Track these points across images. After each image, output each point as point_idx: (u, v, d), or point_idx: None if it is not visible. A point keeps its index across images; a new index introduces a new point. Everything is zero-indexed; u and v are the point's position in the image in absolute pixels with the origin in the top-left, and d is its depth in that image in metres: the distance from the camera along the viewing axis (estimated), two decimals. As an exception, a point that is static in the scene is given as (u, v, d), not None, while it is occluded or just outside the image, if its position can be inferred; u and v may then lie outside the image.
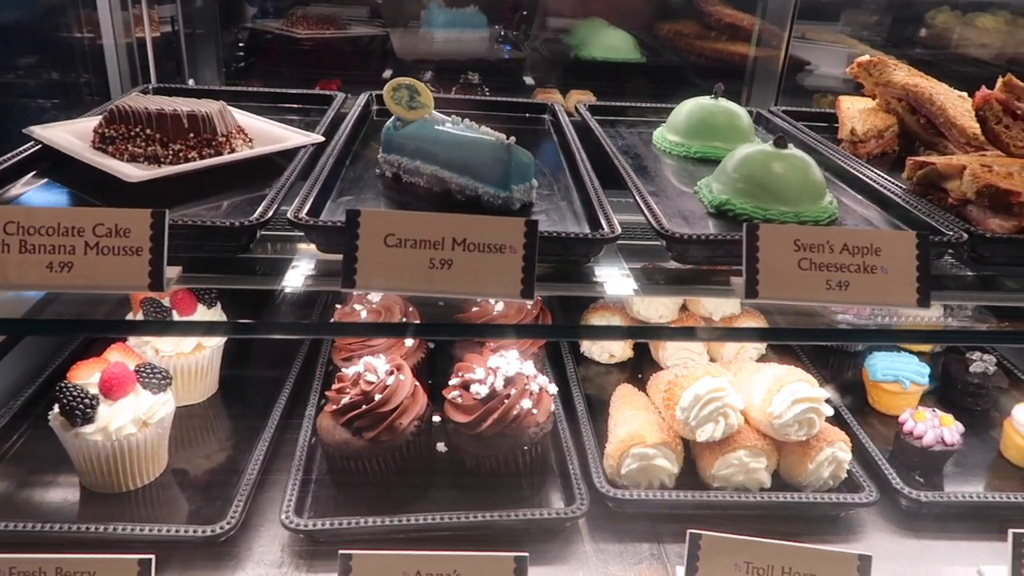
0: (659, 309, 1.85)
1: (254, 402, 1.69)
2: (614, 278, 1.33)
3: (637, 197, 1.37)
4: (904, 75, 1.84)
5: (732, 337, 1.80)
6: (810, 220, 1.35)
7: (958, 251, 1.34)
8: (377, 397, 1.34)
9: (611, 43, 2.91)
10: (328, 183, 1.33)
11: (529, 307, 1.63)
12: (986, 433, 1.72)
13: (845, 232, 1.21)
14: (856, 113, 1.86)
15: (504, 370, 1.39)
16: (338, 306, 1.67)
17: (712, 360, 1.90)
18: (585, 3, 3.01)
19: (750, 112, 2.06)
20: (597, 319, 1.86)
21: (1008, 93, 1.51)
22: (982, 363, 1.79)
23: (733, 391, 1.45)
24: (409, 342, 1.60)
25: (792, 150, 1.43)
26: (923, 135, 1.78)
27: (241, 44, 2.71)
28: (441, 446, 1.54)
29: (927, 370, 1.76)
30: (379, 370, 1.37)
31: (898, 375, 1.73)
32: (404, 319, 1.62)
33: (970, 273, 1.41)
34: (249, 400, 1.71)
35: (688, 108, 1.75)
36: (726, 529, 1.30)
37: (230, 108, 1.45)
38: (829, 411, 1.47)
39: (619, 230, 1.23)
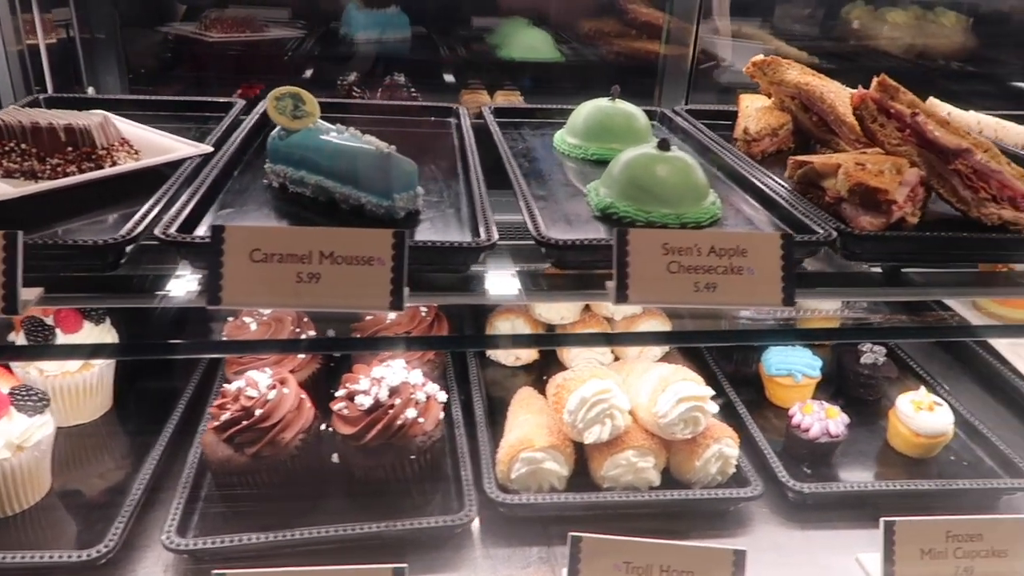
0: (560, 311, 1.86)
1: (149, 419, 1.65)
2: (502, 282, 1.34)
3: (521, 201, 1.38)
4: (796, 74, 1.87)
5: (625, 342, 1.83)
6: (691, 222, 1.37)
7: (833, 248, 1.39)
8: (258, 412, 1.33)
9: (529, 42, 2.91)
10: (211, 195, 1.32)
11: (423, 314, 1.63)
12: (876, 423, 1.77)
13: (712, 235, 1.24)
14: (752, 112, 1.89)
15: (389, 380, 1.39)
16: (230, 319, 1.65)
17: (617, 359, 1.92)
18: (507, 2, 3.00)
19: (654, 112, 2.10)
20: (501, 322, 1.87)
21: (882, 92, 1.54)
22: (872, 354, 1.84)
23: (619, 392, 1.47)
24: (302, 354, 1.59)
25: (675, 152, 1.45)
26: (816, 133, 1.82)
27: (151, 49, 2.65)
28: (336, 457, 1.53)
29: (819, 363, 1.81)
30: (260, 384, 1.36)
31: (790, 369, 1.77)
32: (297, 330, 1.61)
33: (875, 270, 1.46)
34: (145, 417, 1.67)
35: (586, 111, 1.76)
36: (618, 529, 1.32)
37: (117, 118, 1.42)
38: (714, 409, 1.51)
39: (496, 238, 1.24)
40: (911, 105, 1.55)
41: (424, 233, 1.29)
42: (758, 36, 3.17)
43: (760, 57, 1.89)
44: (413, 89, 2.62)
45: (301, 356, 1.58)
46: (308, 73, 2.76)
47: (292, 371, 1.57)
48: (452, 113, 1.93)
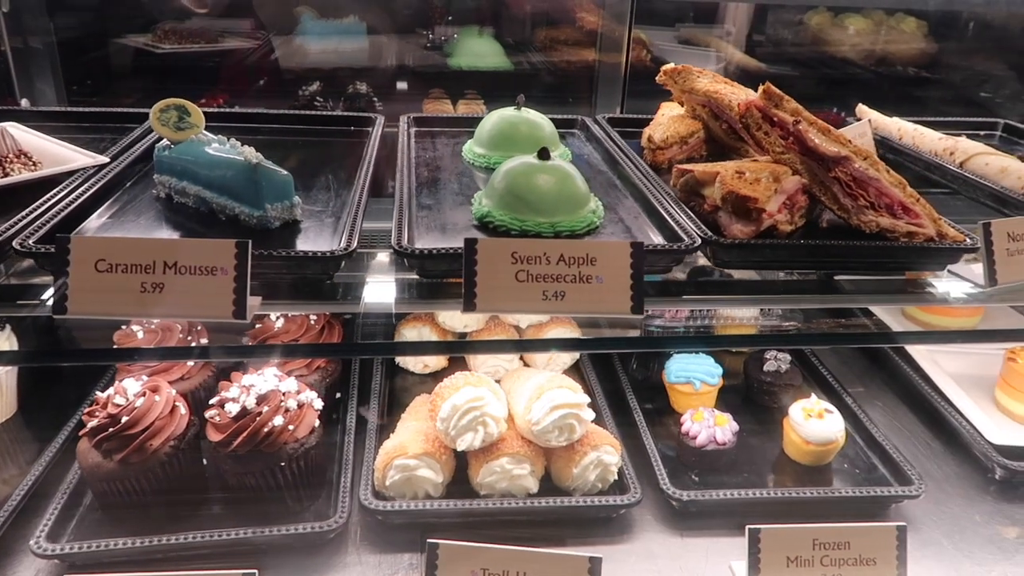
0: (463, 319, 1.87)
1: (51, 424, 1.68)
2: (378, 290, 1.36)
3: (395, 211, 1.40)
4: (707, 82, 1.88)
5: (518, 349, 1.84)
6: (566, 230, 1.38)
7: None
8: (124, 419, 1.35)
9: (479, 51, 2.94)
10: (95, 206, 1.35)
11: (312, 322, 1.65)
12: (776, 431, 1.77)
13: (561, 244, 1.24)
14: (664, 120, 1.90)
15: (258, 388, 1.41)
16: (124, 327, 1.67)
17: (527, 365, 1.93)
18: (462, 12, 3.03)
19: (575, 120, 2.11)
20: (408, 330, 1.89)
21: (767, 100, 1.55)
22: (775, 362, 1.84)
23: (494, 400, 1.48)
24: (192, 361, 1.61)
25: (553, 162, 1.47)
26: (726, 140, 1.83)
27: (101, 61, 2.69)
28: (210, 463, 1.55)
29: (719, 371, 1.80)
30: (129, 392, 1.38)
31: (689, 376, 1.77)
32: (189, 339, 1.63)
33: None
34: (47, 422, 1.70)
35: (492, 120, 1.77)
36: (497, 536, 1.33)
37: (17, 130, 1.46)
38: (590, 416, 1.51)
39: (354, 247, 1.26)
40: (794, 113, 1.55)
41: (291, 242, 1.30)
42: (713, 44, 3.18)
43: (671, 66, 1.90)
44: (375, 99, 2.65)
45: (191, 363, 1.61)
46: (263, 83, 2.79)
47: (183, 378, 1.60)
48: (369, 123, 1.94)
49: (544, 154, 1.47)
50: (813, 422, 1.62)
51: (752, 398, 1.87)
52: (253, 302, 1.18)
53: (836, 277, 1.52)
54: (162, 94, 1.42)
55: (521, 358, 1.96)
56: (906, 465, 1.62)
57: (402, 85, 2.87)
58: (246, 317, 1.14)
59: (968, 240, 1.43)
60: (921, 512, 1.61)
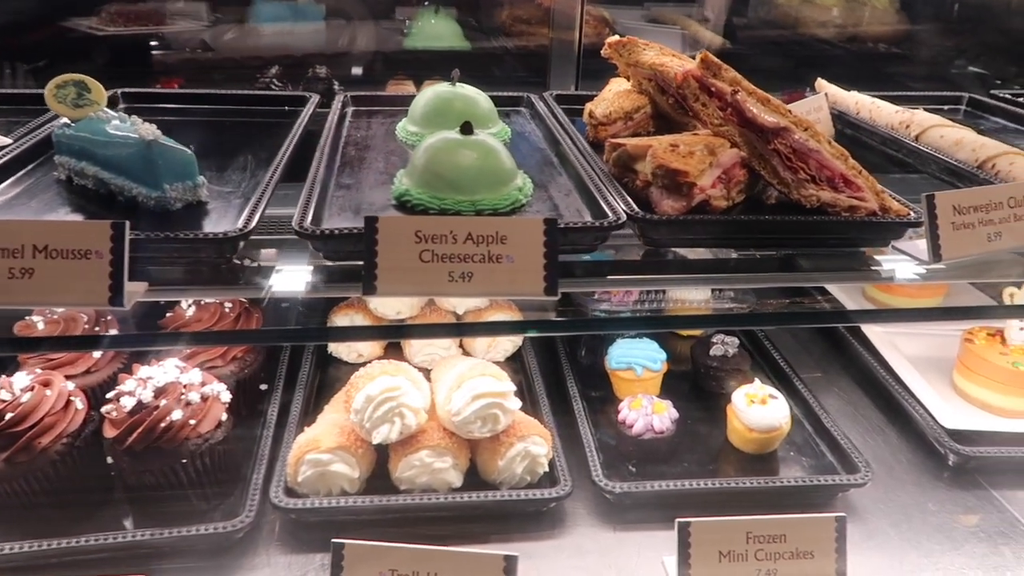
0: (395, 305, 1.79)
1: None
2: (291, 276, 1.28)
3: (306, 191, 1.32)
4: (653, 54, 1.79)
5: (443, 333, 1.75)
6: (488, 208, 1.30)
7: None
8: (8, 416, 1.26)
9: (436, 32, 2.87)
10: None
11: (226, 310, 1.56)
12: (723, 418, 1.69)
13: (470, 221, 1.16)
14: (609, 95, 1.81)
15: (156, 380, 1.32)
16: (26, 317, 1.58)
17: (466, 354, 1.85)
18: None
19: (520, 98, 2.03)
20: (340, 318, 1.80)
21: (704, 70, 1.46)
22: (722, 346, 1.76)
23: (412, 390, 1.40)
24: (98, 353, 1.52)
25: (478, 137, 1.39)
26: (674, 116, 1.74)
27: (41, 45, 2.59)
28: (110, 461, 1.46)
29: (663, 356, 1.72)
30: (15, 386, 1.29)
31: (630, 362, 1.69)
32: (97, 328, 1.54)
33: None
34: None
35: (425, 97, 1.69)
36: (420, 534, 1.25)
37: None
38: (515, 405, 1.43)
39: (252, 227, 1.19)
40: (732, 83, 1.47)
41: (189, 224, 1.22)
42: (681, 23, 3.09)
43: (615, 38, 1.81)
44: (335, 82, 2.56)
45: (97, 355, 1.52)
46: (217, 66, 2.70)
47: (89, 371, 1.51)
48: (303, 102, 1.86)
49: (467, 129, 1.39)
50: (756, 408, 1.53)
51: (699, 384, 1.79)
52: (135, 288, 1.09)
53: (780, 255, 1.44)
54: (110, 78, 1.34)
55: (461, 345, 1.88)
56: (854, 452, 1.54)
57: (362, 69, 2.80)
58: (124, 303, 1.06)
59: (912, 214, 1.35)
60: (870, 501, 1.53)
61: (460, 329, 1.89)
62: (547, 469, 1.47)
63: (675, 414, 1.56)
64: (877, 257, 1.42)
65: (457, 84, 1.73)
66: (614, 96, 1.80)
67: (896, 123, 1.85)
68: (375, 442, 1.38)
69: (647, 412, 1.54)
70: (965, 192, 1.32)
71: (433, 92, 1.69)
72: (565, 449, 1.53)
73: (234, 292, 1.36)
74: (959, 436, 1.60)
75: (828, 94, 2.11)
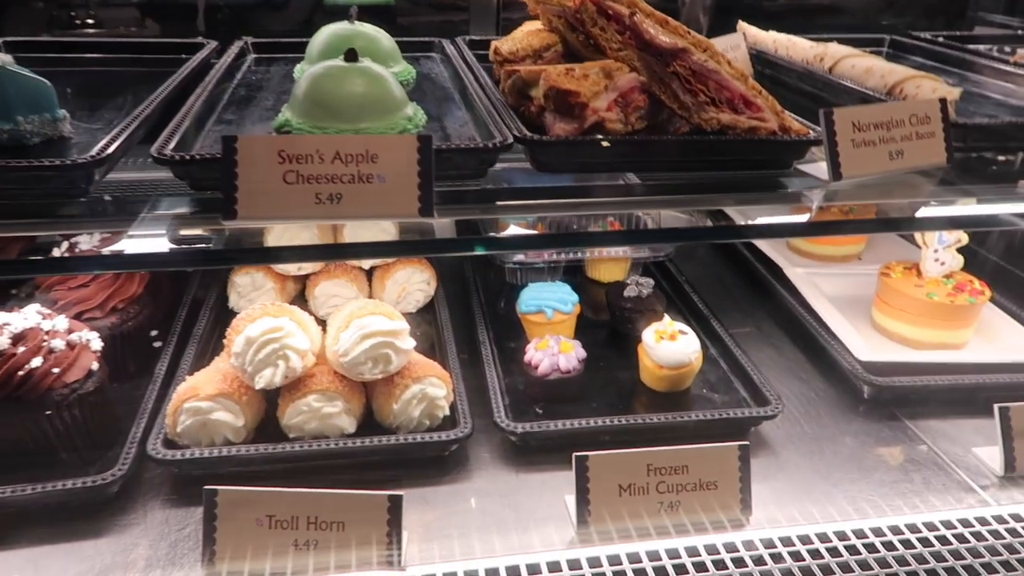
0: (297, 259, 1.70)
1: None
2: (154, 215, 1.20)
3: (175, 122, 1.25)
4: (561, -13, 1.72)
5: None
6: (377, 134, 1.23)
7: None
8: None
9: (360, -17, 2.75)
10: None
11: (104, 258, 1.47)
12: (638, 357, 1.64)
13: (338, 140, 1.08)
14: (519, 34, 1.75)
15: (14, 327, 1.22)
16: None
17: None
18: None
19: (431, 43, 1.96)
20: (241, 277, 1.69)
21: (603, -7, 1.40)
22: (636, 287, 1.70)
23: (297, 331, 1.32)
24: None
25: (363, 64, 1.31)
26: (584, 53, 1.67)
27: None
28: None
29: (574, 298, 1.66)
30: None
31: (541, 305, 1.63)
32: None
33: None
34: None
35: (322, 36, 1.62)
36: (317, 482, 1.18)
37: None
38: (408, 345, 1.36)
39: (104, 156, 1.12)
40: (630, 5, 1.41)
41: (43, 156, 1.12)
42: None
43: (524, -27, 1.74)
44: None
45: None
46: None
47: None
48: (199, 48, 1.79)
49: (351, 56, 1.32)
50: (665, 344, 1.48)
51: (615, 327, 1.74)
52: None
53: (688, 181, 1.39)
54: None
55: (370, 297, 1.80)
56: (765, 386, 1.50)
57: (285, 23, 2.71)
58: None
59: (813, 133, 1.31)
60: (784, 435, 1.49)
61: (402, 247, 1.79)
62: (447, 412, 1.40)
63: (582, 353, 1.51)
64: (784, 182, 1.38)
65: (356, 22, 1.65)
66: (523, 34, 1.74)
67: (811, 57, 1.81)
68: (258, 387, 1.30)
69: (553, 352, 1.48)
70: (865, 108, 1.28)
71: (330, 31, 1.62)
72: (471, 394, 1.47)
73: (92, 225, 1.28)
74: (875, 369, 1.57)
75: (747, 34, 2.07)
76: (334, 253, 1.57)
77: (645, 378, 1.55)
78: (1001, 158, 1.48)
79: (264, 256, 1.41)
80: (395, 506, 1.15)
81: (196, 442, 1.31)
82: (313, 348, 1.35)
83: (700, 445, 1.26)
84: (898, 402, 1.57)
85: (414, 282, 1.77)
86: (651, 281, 1.74)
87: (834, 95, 1.63)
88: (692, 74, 1.31)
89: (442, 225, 1.90)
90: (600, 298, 1.84)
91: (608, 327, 1.77)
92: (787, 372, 1.70)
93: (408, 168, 1.07)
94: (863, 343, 1.64)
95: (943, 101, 1.32)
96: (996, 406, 1.37)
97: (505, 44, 1.71)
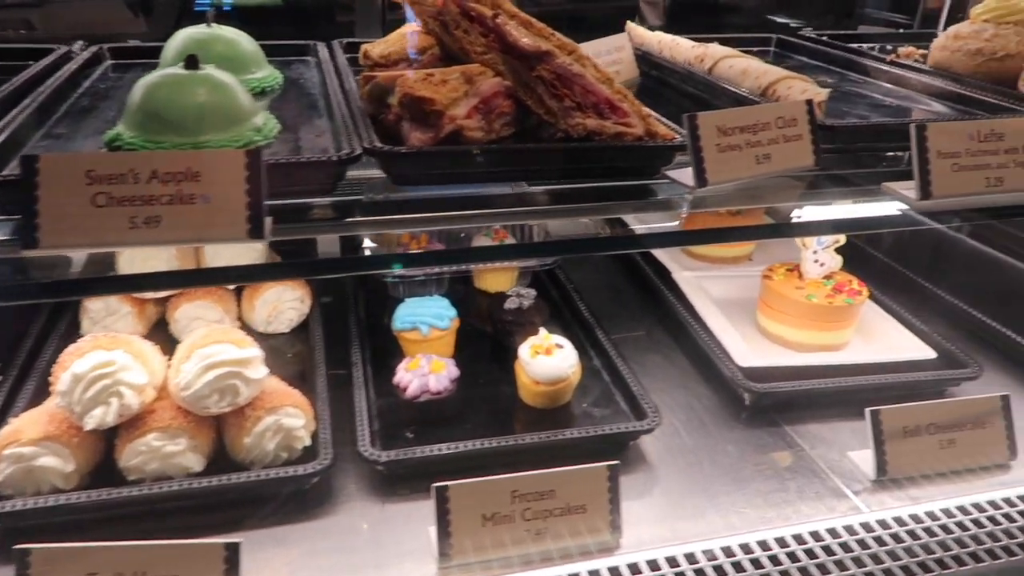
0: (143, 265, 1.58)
1: None
2: None
3: None
4: (435, -12, 1.64)
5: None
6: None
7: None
8: None
9: (248, -13, 2.64)
10: None
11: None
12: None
13: (153, 157, 0.99)
14: (395, 36, 1.68)
15: None
16: None
17: (244, 327, 1.67)
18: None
19: (307, 46, 1.87)
20: (94, 303, 1.57)
21: (466, -6, 1.33)
22: (517, 298, 1.65)
23: (134, 364, 1.21)
24: None
25: (205, 71, 1.22)
26: (460, 56, 1.59)
27: None
28: None
29: (452, 313, 1.59)
30: None
31: (415, 321, 1.55)
32: None
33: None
34: None
35: (177, 40, 1.51)
36: (159, 528, 1.08)
37: None
38: (260, 374, 1.27)
39: None
40: (494, 7, 1.35)
41: None
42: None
43: (400, -28, 1.66)
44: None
45: None
46: None
47: None
48: (46, 54, 1.66)
49: (191, 63, 1.22)
50: (541, 359, 1.43)
51: (498, 340, 1.68)
52: None
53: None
54: None
55: (240, 318, 1.69)
56: (644, 399, 1.46)
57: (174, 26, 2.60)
58: None
59: (679, 138, 1.27)
60: (663, 448, 1.46)
61: (270, 271, 1.69)
62: (308, 443, 1.31)
63: (455, 373, 1.44)
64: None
65: (213, 25, 1.55)
66: (398, 36, 1.67)
67: (692, 58, 1.79)
68: (88, 428, 1.18)
69: (423, 372, 1.41)
70: (730, 112, 1.25)
71: (185, 34, 1.52)
72: (340, 420, 1.39)
73: None
74: (755, 375, 1.55)
75: (634, 35, 2.04)
76: (190, 279, 1.48)
77: (523, 395, 1.49)
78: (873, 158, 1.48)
79: (97, 287, 1.30)
80: (232, 554, 1.05)
81: (21, 491, 1.18)
82: (154, 382, 1.24)
83: (567, 468, 1.20)
84: (778, 408, 1.55)
85: (285, 300, 1.68)
86: (533, 292, 1.68)
87: (713, 96, 1.61)
88: (557, 78, 1.25)
89: (326, 240, 1.79)
90: (476, 306, 1.78)
91: (491, 341, 1.71)
92: (673, 380, 1.67)
93: (235, 186, 0.99)
94: (746, 348, 1.63)
95: (809, 103, 1.30)
96: (867, 410, 1.36)
97: (377, 47, 1.64)
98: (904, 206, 1.27)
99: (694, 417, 1.56)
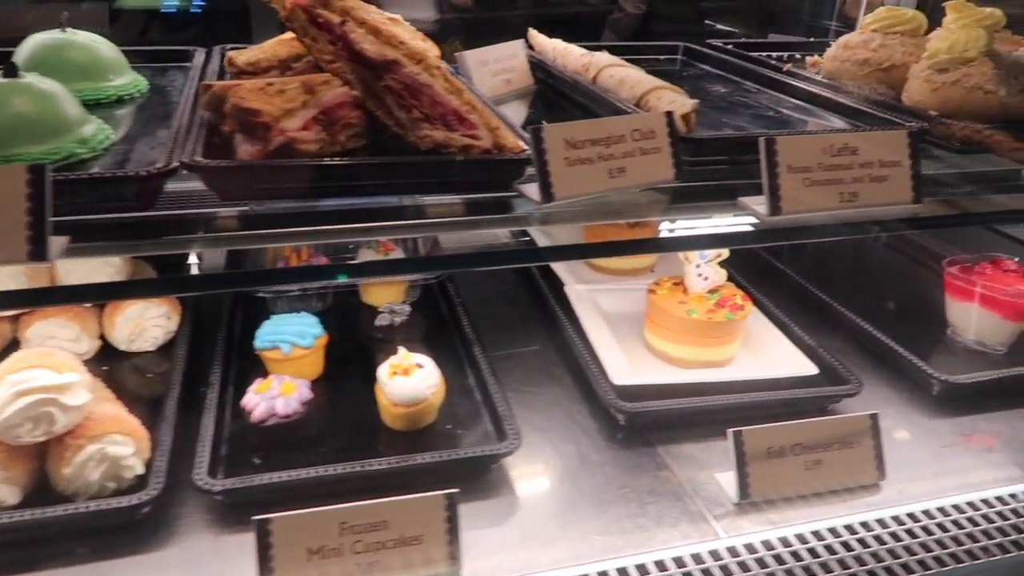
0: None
1: None
2: None
3: None
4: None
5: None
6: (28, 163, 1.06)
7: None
8: None
9: (149, -9, 2.58)
10: None
11: None
12: (387, 393, 1.52)
13: None
14: (270, 42, 1.62)
15: None
16: None
17: (107, 345, 1.60)
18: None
19: (188, 52, 1.80)
20: (-66, 314, 1.50)
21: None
22: (389, 315, 1.59)
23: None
24: None
25: (24, 79, 1.15)
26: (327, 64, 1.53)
27: None
28: None
29: (317, 331, 1.52)
30: None
31: (276, 340, 1.48)
32: None
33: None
34: None
35: (28, 47, 1.44)
36: None
37: None
38: (78, 400, 1.19)
39: None
40: (343, 12, 1.29)
41: None
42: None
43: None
44: None
45: None
46: None
47: None
48: None
49: (9, 70, 1.15)
50: (398, 380, 1.37)
51: (369, 359, 1.61)
52: None
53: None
54: None
55: (101, 337, 1.62)
56: (508, 420, 1.40)
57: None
58: None
59: (528, 151, 1.22)
60: (530, 471, 1.40)
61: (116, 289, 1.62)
62: (140, 472, 1.24)
63: (307, 395, 1.37)
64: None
65: (68, 30, 1.48)
66: (272, 43, 1.61)
67: (579, 67, 1.74)
68: None
69: (272, 395, 1.34)
70: (581, 124, 1.20)
71: (36, 40, 1.45)
72: (183, 446, 1.32)
73: None
74: (632, 392, 1.50)
75: (535, 42, 2.00)
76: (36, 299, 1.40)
77: (384, 417, 1.43)
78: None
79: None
80: (22, 598, 0.98)
81: None
82: (-44, 411, 1.16)
83: (400, 497, 1.14)
84: (653, 428, 1.51)
85: (149, 317, 1.60)
86: (407, 308, 1.62)
87: (599, 106, 1.56)
88: (405, 88, 1.21)
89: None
90: (349, 322, 1.71)
91: (364, 360, 1.64)
92: (554, 400, 1.61)
93: (15, 204, 0.92)
94: (625, 366, 1.58)
95: (669, 115, 1.26)
96: (730, 431, 1.32)
97: (244, 54, 1.57)
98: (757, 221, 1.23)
99: (570, 438, 1.50)
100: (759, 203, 1.22)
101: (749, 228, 1.33)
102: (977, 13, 1.75)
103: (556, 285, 1.91)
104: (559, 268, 1.97)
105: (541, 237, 2.00)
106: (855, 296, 2.02)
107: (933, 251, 2.21)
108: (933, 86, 1.54)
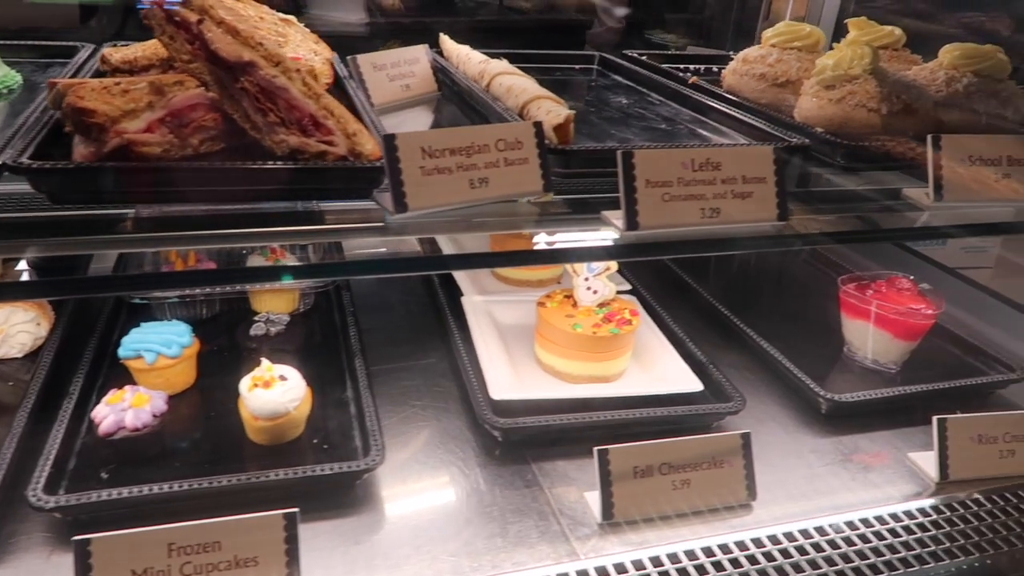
0: None
1: None
2: None
3: None
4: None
5: None
6: None
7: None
8: None
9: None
10: None
11: None
12: (259, 406, 1.47)
13: None
14: (153, 41, 1.56)
15: None
16: None
17: None
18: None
19: (74, 48, 1.75)
20: None
21: (184, -5, 1.24)
22: (264, 324, 1.54)
23: None
24: None
25: None
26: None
27: None
28: None
29: (185, 340, 1.47)
30: None
31: (140, 349, 1.43)
32: None
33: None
34: None
35: None
36: None
37: None
38: None
39: None
40: (200, 12, 1.25)
41: None
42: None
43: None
44: None
45: None
46: None
47: None
48: None
49: None
50: (258, 392, 1.32)
51: (243, 370, 1.56)
52: None
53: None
54: None
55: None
56: (374, 435, 1.36)
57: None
58: None
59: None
60: (398, 491, 1.36)
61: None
62: (-28, 487, 1.18)
63: (161, 407, 1.32)
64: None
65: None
66: (154, 41, 1.55)
67: (476, 74, 1.71)
68: None
69: (123, 407, 1.29)
70: (439, 133, 1.17)
71: None
72: (29, 460, 1.25)
73: None
74: (511, 408, 1.47)
75: (445, 48, 1.97)
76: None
77: (247, 430, 1.38)
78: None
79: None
80: None
81: None
82: None
83: (234, 517, 1.10)
84: (529, 444, 1.48)
85: (15, 323, 1.54)
86: (285, 318, 1.57)
87: (488, 114, 1.53)
88: (261, 91, 1.17)
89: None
90: (224, 328, 1.66)
91: (237, 371, 1.58)
92: (437, 413, 1.58)
93: None
94: (508, 380, 1.54)
95: (538, 124, 1.23)
96: (595, 449, 1.29)
97: (122, 51, 1.52)
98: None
99: (448, 454, 1.47)
100: (619, 217, 1.19)
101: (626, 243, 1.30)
102: (875, 31, 1.76)
103: (457, 295, 1.88)
104: (461, 278, 1.93)
105: (447, 244, 1.97)
106: (765, 312, 2.01)
107: (848, 268, 2.21)
108: (820, 102, 1.53)
